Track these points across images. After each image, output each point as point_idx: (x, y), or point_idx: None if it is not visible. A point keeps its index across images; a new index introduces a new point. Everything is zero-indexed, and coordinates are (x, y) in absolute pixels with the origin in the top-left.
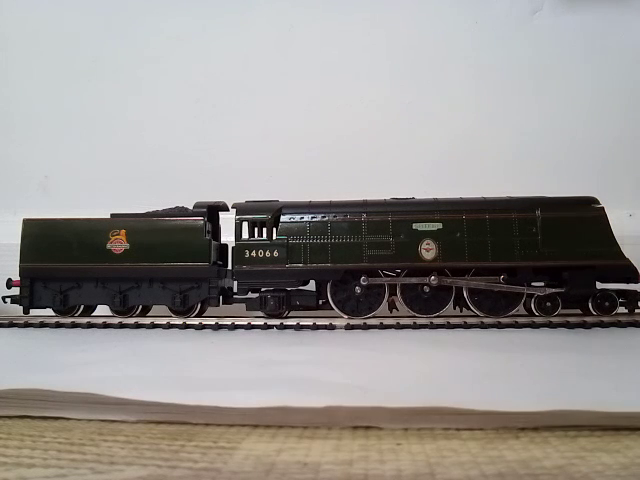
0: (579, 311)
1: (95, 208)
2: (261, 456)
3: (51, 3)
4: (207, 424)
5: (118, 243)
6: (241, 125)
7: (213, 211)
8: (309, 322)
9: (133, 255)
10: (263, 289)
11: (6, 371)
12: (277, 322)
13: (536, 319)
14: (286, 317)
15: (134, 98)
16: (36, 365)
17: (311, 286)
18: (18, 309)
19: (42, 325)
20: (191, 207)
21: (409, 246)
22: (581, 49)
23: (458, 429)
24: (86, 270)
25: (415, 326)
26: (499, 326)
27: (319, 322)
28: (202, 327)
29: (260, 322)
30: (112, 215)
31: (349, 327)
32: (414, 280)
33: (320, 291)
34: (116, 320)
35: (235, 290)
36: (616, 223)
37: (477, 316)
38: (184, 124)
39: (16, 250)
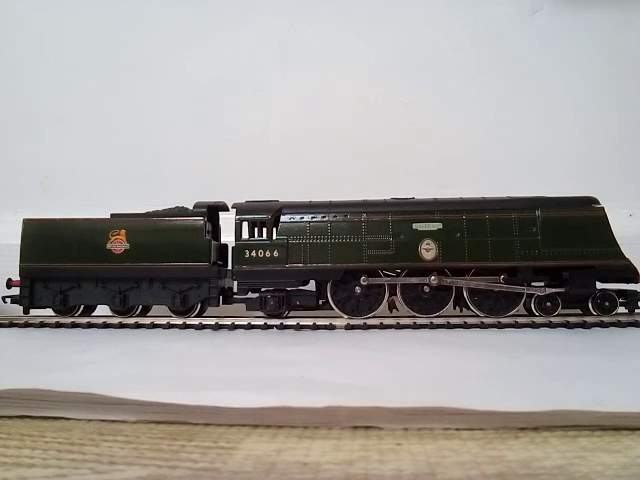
0: (579, 311)
1: (95, 208)
2: (261, 456)
3: (52, 4)
4: (207, 424)
5: (118, 243)
6: (241, 125)
7: (213, 211)
8: (309, 322)
9: (133, 255)
10: (263, 289)
11: (6, 371)
12: (277, 322)
13: (536, 319)
14: (286, 317)
15: (134, 98)
16: (36, 365)
17: (311, 286)
18: (18, 309)
19: (42, 325)
20: (191, 207)
21: (409, 246)
22: (581, 49)
23: (458, 429)
24: (86, 270)
25: (415, 326)
26: (499, 326)
27: (319, 322)
28: (202, 327)
29: (260, 322)
30: (112, 215)
31: (349, 327)
32: (414, 280)
33: (320, 291)
34: (116, 320)
35: (235, 290)
36: (616, 223)
37: (477, 316)
38: (184, 124)
39: (16, 250)
